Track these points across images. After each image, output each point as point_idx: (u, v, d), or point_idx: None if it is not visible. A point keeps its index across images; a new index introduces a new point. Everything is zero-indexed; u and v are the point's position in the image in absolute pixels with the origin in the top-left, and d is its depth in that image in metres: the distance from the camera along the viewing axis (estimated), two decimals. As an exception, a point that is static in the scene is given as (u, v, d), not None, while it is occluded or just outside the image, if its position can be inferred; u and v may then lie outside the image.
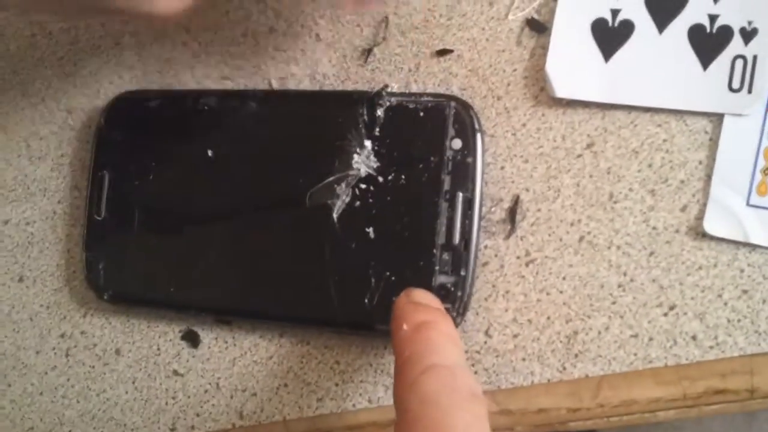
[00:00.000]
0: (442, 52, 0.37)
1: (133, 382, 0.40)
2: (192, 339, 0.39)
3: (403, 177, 0.34)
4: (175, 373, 0.40)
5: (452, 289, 0.34)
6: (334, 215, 0.35)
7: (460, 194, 0.34)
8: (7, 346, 0.42)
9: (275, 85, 0.39)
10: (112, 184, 0.40)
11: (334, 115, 0.36)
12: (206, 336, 0.39)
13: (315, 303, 0.36)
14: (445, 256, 0.34)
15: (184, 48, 0.41)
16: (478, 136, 0.34)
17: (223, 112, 0.38)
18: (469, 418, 0.27)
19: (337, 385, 0.37)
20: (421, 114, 0.35)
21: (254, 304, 0.37)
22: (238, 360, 0.38)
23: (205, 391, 0.39)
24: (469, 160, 0.34)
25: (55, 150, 0.42)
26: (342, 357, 0.37)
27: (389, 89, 0.36)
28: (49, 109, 0.42)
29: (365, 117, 0.35)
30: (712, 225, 0.33)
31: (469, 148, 0.34)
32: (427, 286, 0.34)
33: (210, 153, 0.38)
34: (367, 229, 0.35)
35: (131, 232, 0.39)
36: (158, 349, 0.40)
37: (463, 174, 0.34)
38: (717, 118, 0.33)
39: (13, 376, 0.42)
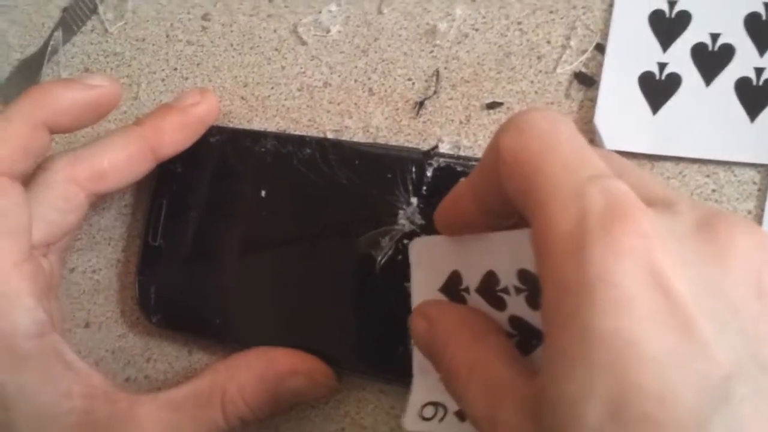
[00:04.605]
0: (492, 105, 0.38)
1: (195, 426, 0.42)
2: (252, 384, 0.40)
3: None
4: (236, 417, 0.41)
5: None
6: (377, 267, 0.36)
7: None
8: (73, 389, 0.44)
9: (330, 137, 0.40)
10: (170, 213, 0.41)
11: (383, 169, 0.37)
12: (266, 382, 0.40)
13: (352, 347, 0.37)
14: None
15: (242, 102, 0.42)
16: None
17: (279, 155, 0.39)
18: None
19: (392, 430, 0.38)
20: None
21: (294, 343, 0.38)
22: (295, 404, 0.39)
23: (265, 435, 0.40)
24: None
25: (119, 200, 0.44)
26: (397, 402, 0.38)
27: (438, 149, 0.37)
28: (114, 162, 0.44)
29: (413, 175, 0.36)
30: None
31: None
32: None
33: (263, 193, 0.39)
34: (406, 284, 0.35)
35: (184, 261, 0.41)
36: (219, 393, 0.41)
37: None
38: (765, 169, 0.33)
39: (80, 419, 0.44)
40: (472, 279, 0.30)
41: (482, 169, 0.27)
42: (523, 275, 0.27)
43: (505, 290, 0.28)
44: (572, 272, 0.21)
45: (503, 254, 0.28)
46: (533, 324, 0.27)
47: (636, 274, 0.21)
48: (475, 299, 0.30)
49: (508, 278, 0.28)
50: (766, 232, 0.24)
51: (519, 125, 0.25)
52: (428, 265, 0.32)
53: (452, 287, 0.31)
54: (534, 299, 0.27)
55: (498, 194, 0.26)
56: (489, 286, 0.29)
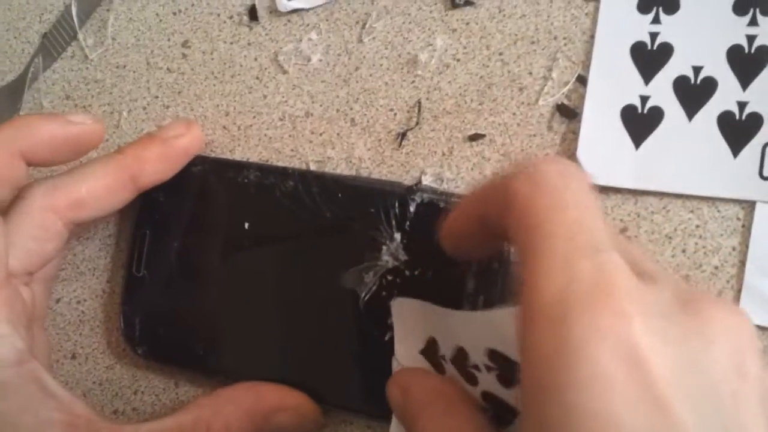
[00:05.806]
0: (475, 137, 0.37)
1: (183, 459, 0.42)
2: (239, 419, 0.40)
3: (429, 274, 0.35)
4: (224, 452, 0.41)
5: None
6: (360, 303, 0.36)
7: (482, 298, 0.34)
8: (62, 421, 0.44)
9: (312, 168, 0.40)
10: (153, 243, 0.41)
11: (367, 203, 0.36)
12: (252, 417, 0.40)
13: (337, 382, 0.37)
14: None
15: (224, 131, 0.42)
16: (505, 244, 0.33)
17: (261, 187, 0.39)
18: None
19: (379, 464, 0.38)
20: None
21: (280, 377, 0.38)
22: (283, 439, 0.40)
23: (253, 467, 0.40)
24: (495, 265, 0.34)
25: (103, 230, 0.44)
26: (384, 438, 0.38)
27: (421, 182, 0.37)
28: (97, 192, 0.44)
29: (396, 210, 0.36)
30: (747, 312, 0.33)
31: (496, 253, 0.34)
32: None
33: (246, 225, 0.39)
34: (389, 321, 0.34)
35: (168, 292, 0.40)
36: (206, 426, 0.41)
37: (488, 278, 0.34)
38: (749, 205, 0.33)
39: (68, 453, 0.44)
40: (446, 349, 0.30)
41: (489, 195, 0.27)
42: (493, 355, 0.27)
43: (476, 367, 0.28)
44: (553, 345, 0.21)
45: (473, 333, 0.28)
46: (506, 401, 0.27)
47: (614, 354, 0.21)
48: (450, 369, 0.30)
49: (477, 356, 0.28)
50: (746, 313, 0.25)
51: (533, 177, 0.25)
52: (409, 326, 0.32)
53: (431, 352, 0.31)
54: (505, 378, 0.27)
55: (498, 219, 0.26)
56: (460, 360, 0.29)
